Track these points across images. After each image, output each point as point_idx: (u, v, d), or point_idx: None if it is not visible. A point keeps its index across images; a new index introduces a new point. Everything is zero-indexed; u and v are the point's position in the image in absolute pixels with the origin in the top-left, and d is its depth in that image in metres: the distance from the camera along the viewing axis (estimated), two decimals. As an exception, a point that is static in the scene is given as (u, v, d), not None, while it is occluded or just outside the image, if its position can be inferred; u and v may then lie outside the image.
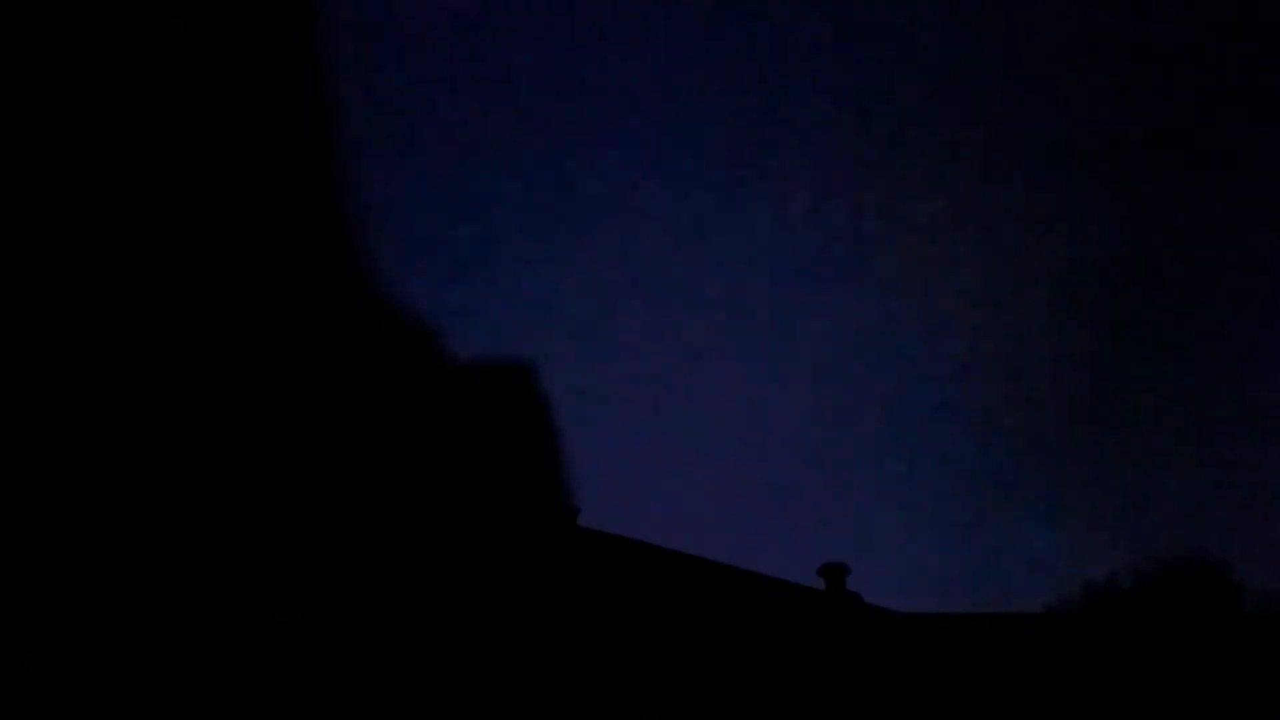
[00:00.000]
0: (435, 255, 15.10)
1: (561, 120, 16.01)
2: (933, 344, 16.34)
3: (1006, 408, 16.10)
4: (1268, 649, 11.80)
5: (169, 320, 11.80)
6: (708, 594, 11.86)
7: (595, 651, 11.51)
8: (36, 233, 11.75)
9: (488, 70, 15.87)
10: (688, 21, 16.40)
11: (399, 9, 15.24)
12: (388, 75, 15.05)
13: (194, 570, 11.09)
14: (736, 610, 11.84)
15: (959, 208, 16.50)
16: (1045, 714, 11.62)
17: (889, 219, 16.53)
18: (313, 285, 12.43)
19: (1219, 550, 14.40)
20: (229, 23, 12.56)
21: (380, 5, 15.07)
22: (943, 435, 16.05)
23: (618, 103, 16.27)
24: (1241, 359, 16.08)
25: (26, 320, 11.55)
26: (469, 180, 15.65)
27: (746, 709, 11.50)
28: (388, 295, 12.81)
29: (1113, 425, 16.10)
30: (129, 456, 11.33)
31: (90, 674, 10.73)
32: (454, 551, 11.60)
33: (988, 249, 16.52)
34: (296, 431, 11.66)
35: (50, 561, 10.94)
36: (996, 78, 16.55)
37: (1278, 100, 16.21)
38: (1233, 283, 16.26)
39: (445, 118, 15.61)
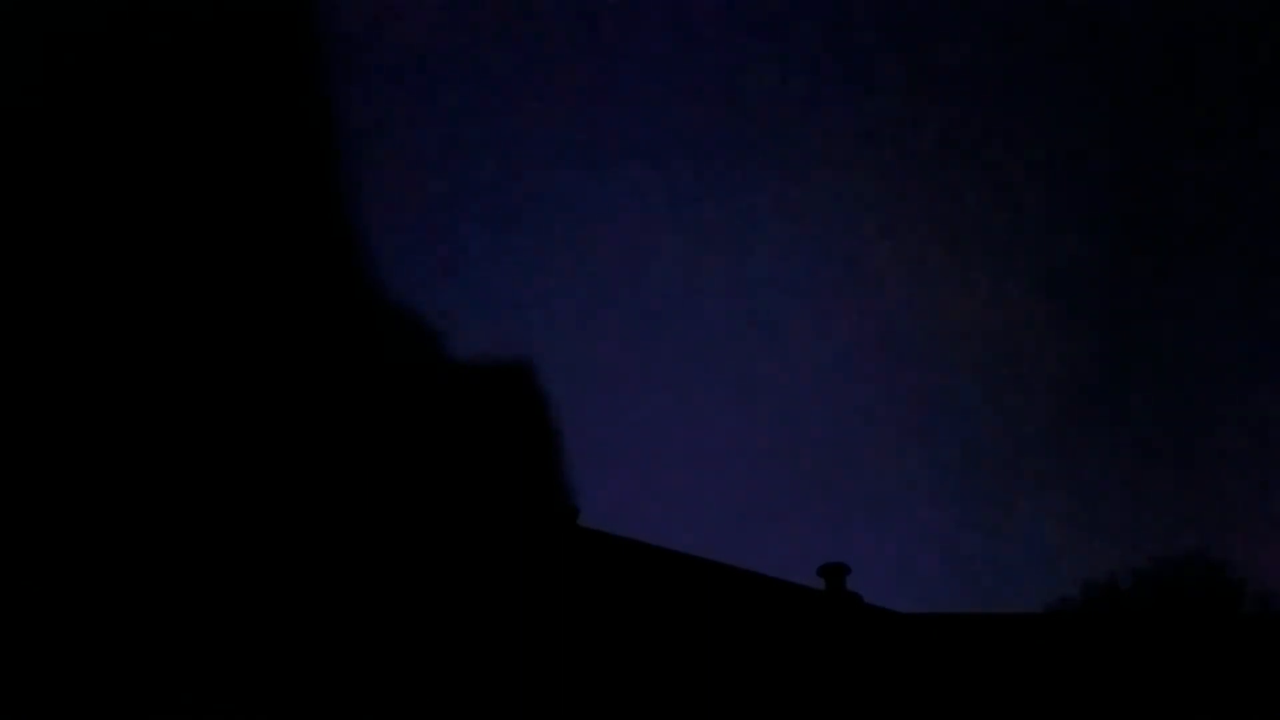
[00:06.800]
0: (435, 255, 15.11)
1: (562, 123, 16.02)
2: (933, 345, 16.34)
3: (1006, 408, 16.10)
4: (1268, 649, 11.80)
5: (169, 321, 11.80)
6: (708, 594, 11.86)
7: (595, 651, 11.51)
8: (40, 237, 11.75)
9: (488, 73, 15.87)
10: (690, 27, 16.42)
11: (399, 13, 15.24)
12: (387, 78, 15.06)
13: (195, 569, 11.09)
14: (736, 610, 11.84)
15: (959, 209, 16.51)
16: (1045, 714, 11.62)
17: (889, 221, 16.54)
18: (313, 286, 12.43)
19: (1219, 550, 14.40)
20: (231, 27, 12.56)
21: (380, 9, 15.08)
22: (942, 436, 16.06)
23: (619, 107, 16.28)
24: (1241, 359, 16.09)
25: (31, 323, 11.56)
26: (469, 182, 15.66)
27: (746, 708, 11.50)
28: (388, 296, 12.81)
29: (1113, 426, 16.11)
30: (131, 456, 11.34)
31: (90, 674, 10.73)
32: (454, 551, 11.60)
33: (988, 249, 16.53)
34: (297, 431, 11.67)
35: (50, 561, 10.94)
36: (996, 78, 16.56)
37: (1278, 99, 16.23)
38: (1233, 283, 16.27)
39: (445, 119, 15.62)
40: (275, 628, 11.05)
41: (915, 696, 11.69)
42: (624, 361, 15.71)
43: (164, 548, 11.10)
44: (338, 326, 12.34)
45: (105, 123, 12.16)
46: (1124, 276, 16.46)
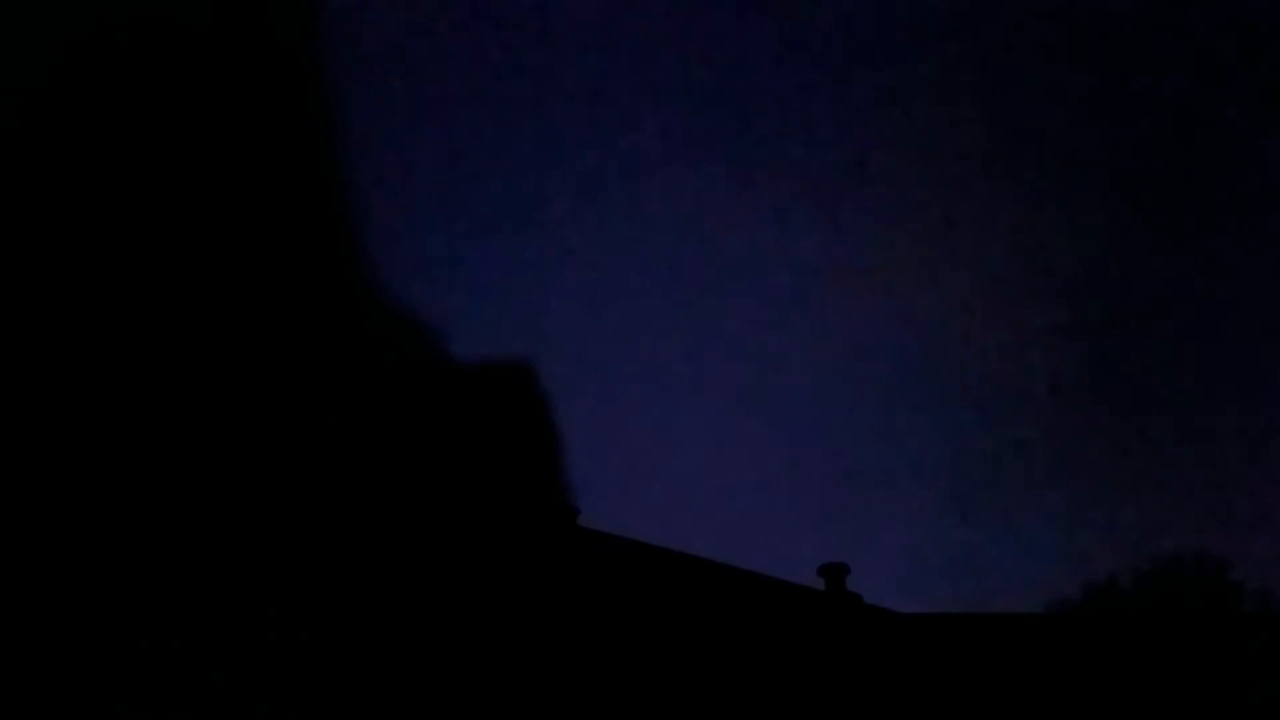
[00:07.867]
0: (433, 255, 15.09)
1: (561, 120, 16.01)
2: (932, 343, 16.33)
3: (1006, 407, 16.09)
4: (1268, 649, 11.80)
5: (168, 321, 11.80)
6: (707, 594, 11.85)
7: (595, 652, 11.51)
8: (37, 235, 11.75)
9: (489, 73, 15.87)
10: (689, 23, 16.40)
11: (401, 12, 15.24)
12: (387, 77, 15.05)
13: (193, 570, 11.08)
14: (736, 610, 11.84)
15: (958, 206, 16.50)
16: (1045, 714, 11.62)
17: (886, 216, 16.52)
18: (310, 286, 12.42)
19: (1219, 550, 14.38)
20: (229, 25, 12.56)
21: (382, 8, 15.07)
22: (942, 434, 16.04)
23: (618, 103, 16.26)
24: (1241, 358, 16.07)
25: (28, 320, 11.56)
26: (469, 181, 15.64)
27: (745, 709, 11.49)
28: (386, 295, 12.81)
29: (1112, 424, 16.09)
30: (129, 455, 11.33)
31: (90, 674, 10.73)
32: (453, 552, 11.60)
33: (987, 248, 16.52)
34: (295, 432, 11.66)
35: (50, 561, 10.94)
36: (996, 76, 16.55)
37: (1279, 98, 16.21)
38: (1233, 282, 16.25)
39: (445, 119, 15.61)
40: (274, 628, 11.05)
41: (915, 697, 11.69)
42: (624, 361, 15.69)
43: (163, 547, 11.10)
44: (337, 326, 12.34)
45: (102, 122, 12.16)
46: (1124, 276, 16.45)
